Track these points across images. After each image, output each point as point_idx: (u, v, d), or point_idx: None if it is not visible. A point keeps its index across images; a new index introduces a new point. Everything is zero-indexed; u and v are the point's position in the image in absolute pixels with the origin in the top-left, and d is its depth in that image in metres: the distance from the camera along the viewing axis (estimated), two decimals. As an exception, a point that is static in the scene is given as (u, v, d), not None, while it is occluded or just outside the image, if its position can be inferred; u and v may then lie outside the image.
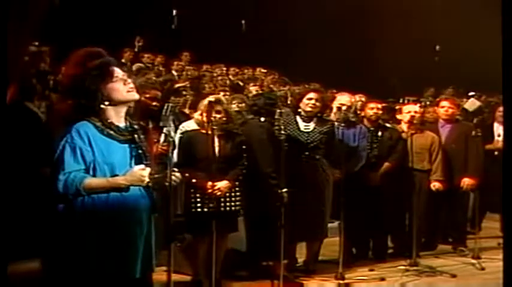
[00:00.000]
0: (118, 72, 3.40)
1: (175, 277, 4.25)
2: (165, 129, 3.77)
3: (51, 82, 6.89)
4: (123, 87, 3.39)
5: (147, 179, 3.30)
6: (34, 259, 4.99)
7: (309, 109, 6.29)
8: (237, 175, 5.72)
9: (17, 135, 5.54)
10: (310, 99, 6.31)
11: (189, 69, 11.52)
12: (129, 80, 3.45)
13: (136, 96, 3.47)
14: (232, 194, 5.72)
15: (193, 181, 5.55)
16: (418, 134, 7.02)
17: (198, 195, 5.60)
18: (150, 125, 5.50)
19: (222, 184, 5.60)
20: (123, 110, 3.44)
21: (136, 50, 12.27)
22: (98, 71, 3.31)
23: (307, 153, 6.22)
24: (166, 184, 3.57)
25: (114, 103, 3.37)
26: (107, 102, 3.34)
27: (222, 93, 7.71)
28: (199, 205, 5.60)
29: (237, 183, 5.74)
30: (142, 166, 3.30)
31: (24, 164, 5.65)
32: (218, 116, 5.64)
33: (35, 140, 5.61)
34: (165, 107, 3.83)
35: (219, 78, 11.54)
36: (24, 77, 6.21)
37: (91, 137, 3.25)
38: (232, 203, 5.71)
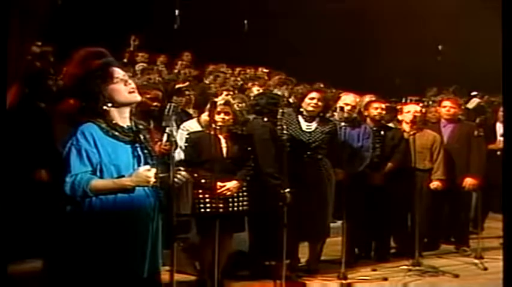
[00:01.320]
0: (119, 73, 3.40)
1: (177, 276, 4.25)
2: (167, 129, 3.77)
3: (51, 82, 6.90)
4: (124, 88, 3.39)
5: (153, 180, 3.29)
6: (35, 259, 5.01)
7: (311, 109, 6.29)
8: (244, 175, 5.74)
9: (22, 135, 5.58)
10: (312, 98, 6.31)
11: (185, 69, 11.50)
12: (130, 81, 3.45)
13: (138, 98, 3.47)
14: (240, 194, 5.73)
15: (202, 181, 5.56)
16: (420, 133, 7.02)
17: (206, 195, 5.61)
18: (152, 125, 5.52)
19: (232, 184, 5.61)
20: (127, 110, 3.43)
21: (132, 49, 12.24)
22: (97, 73, 3.31)
23: (309, 153, 6.22)
24: (170, 182, 3.58)
25: (117, 104, 3.37)
26: (109, 104, 3.34)
27: (225, 93, 7.72)
28: (207, 205, 5.61)
29: (244, 183, 5.75)
30: (147, 167, 3.30)
31: (26, 164, 5.67)
32: (227, 117, 5.66)
33: (38, 140, 5.63)
34: (168, 107, 3.83)
35: (232, 78, 11.53)
36: (32, 77, 6.23)
37: (97, 139, 3.25)
38: (240, 203, 5.73)
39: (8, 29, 3.89)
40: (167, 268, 4.06)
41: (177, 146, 5.43)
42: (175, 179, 3.69)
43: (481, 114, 9.70)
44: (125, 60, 11.26)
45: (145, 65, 11.23)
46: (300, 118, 6.33)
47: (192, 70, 11.47)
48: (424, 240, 7.22)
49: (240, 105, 6.61)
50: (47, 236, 3.53)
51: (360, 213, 6.58)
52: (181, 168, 3.72)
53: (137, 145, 3.41)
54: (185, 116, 7.03)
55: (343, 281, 6.10)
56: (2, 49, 3.81)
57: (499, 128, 8.34)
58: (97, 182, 3.21)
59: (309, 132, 6.27)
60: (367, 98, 7.40)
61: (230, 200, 5.65)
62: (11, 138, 4.07)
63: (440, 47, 15.90)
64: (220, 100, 5.80)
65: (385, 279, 6.31)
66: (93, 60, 3.32)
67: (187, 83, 9.42)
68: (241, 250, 6.23)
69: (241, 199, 5.73)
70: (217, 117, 5.58)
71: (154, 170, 3.30)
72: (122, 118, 3.40)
